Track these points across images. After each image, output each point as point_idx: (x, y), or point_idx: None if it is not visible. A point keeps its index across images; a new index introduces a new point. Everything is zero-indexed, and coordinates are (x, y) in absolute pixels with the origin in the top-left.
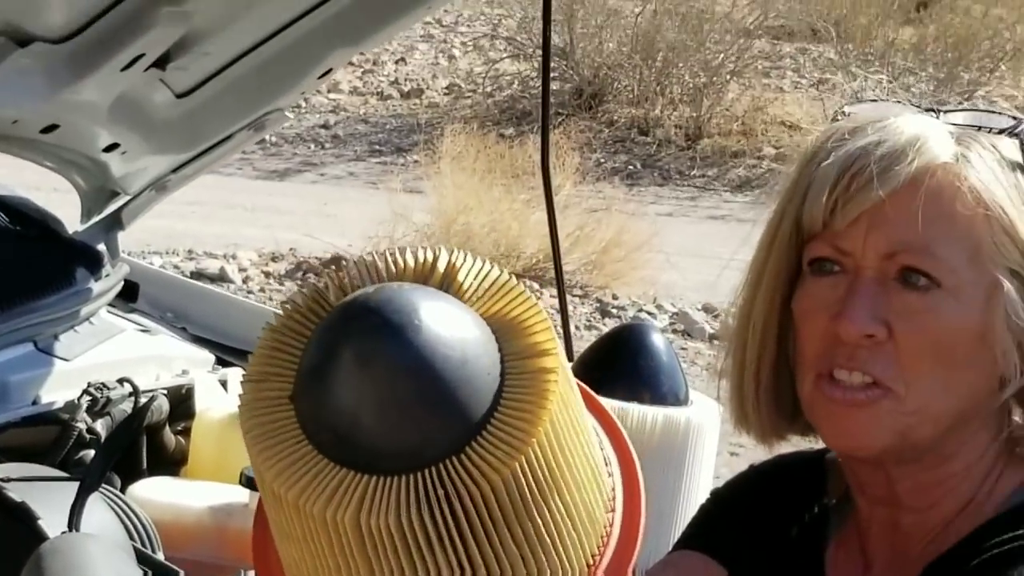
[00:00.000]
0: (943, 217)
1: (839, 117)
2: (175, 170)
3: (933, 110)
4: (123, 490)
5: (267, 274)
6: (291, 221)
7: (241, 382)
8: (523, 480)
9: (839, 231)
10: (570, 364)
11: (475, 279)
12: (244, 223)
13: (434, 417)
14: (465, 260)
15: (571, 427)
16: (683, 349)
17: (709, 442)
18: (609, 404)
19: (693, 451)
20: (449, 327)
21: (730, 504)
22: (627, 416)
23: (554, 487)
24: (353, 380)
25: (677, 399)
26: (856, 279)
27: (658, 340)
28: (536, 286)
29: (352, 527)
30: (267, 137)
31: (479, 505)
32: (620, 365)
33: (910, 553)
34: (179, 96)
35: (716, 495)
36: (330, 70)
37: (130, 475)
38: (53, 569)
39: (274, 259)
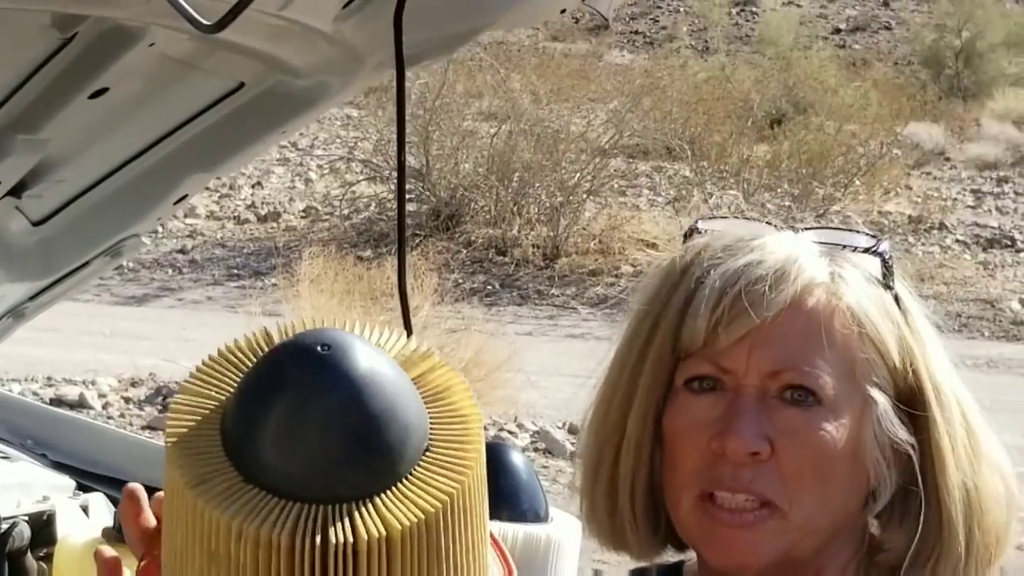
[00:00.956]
0: (823, 336)
1: (694, 234)
2: (32, 297)
3: (793, 228)
4: None
5: (127, 399)
6: (150, 347)
7: (171, 405)
8: (424, 539)
9: (721, 349)
10: None
11: (401, 345)
12: (103, 349)
13: (360, 460)
14: (390, 330)
15: (477, 508)
16: (544, 467)
17: (570, 558)
18: None
19: (554, 567)
20: (388, 373)
21: None
22: None
23: (451, 558)
24: (288, 408)
25: (537, 516)
26: (737, 397)
27: (517, 459)
28: None
29: (252, 541)
30: (124, 263)
31: (375, 549)
32: None
33: None
34: (35, 224)
35: None
36: (186, 196)
37: None
38: None
39: (134, 384)
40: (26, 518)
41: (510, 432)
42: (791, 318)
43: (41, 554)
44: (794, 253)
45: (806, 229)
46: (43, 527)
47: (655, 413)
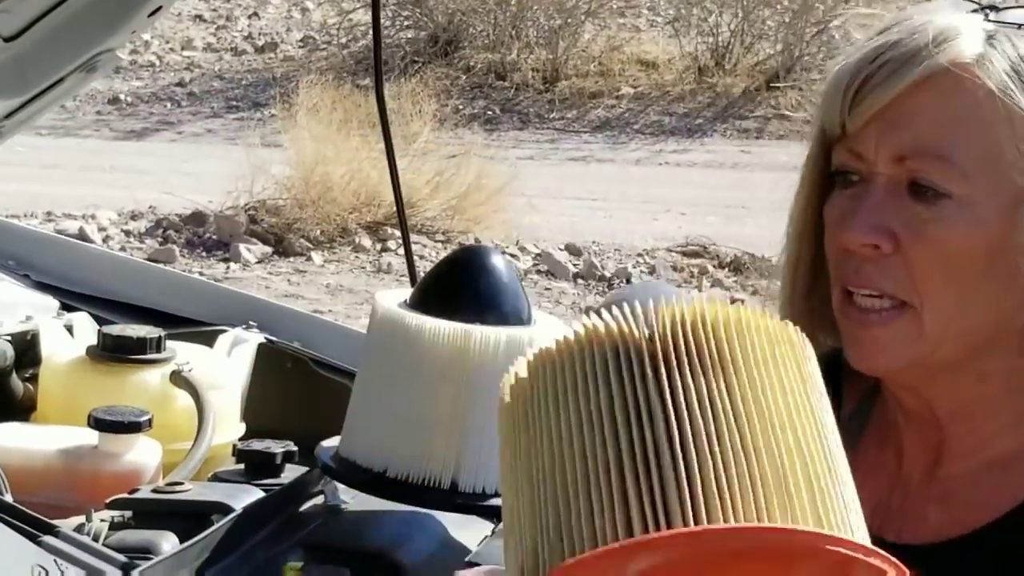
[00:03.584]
0: (958, 121)
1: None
2: (8, 116)
3: (990, 7)
4: None
5: (127, 233)
6: (150, 180)
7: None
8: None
9: (853, 134)
10: (411, 290)
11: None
12: (103, 184)
13: None
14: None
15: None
16: (547, 289)
17: None
18: (452, 326)
19: None
20: None
21: None
22: (471, 338)
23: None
24: None
25: (520, 319)
26: (867, 188)
27: (498, 261)
28: (398, 234)
29: None
30: (123, 97)
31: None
32: (462, 287)
33: (952, 471)
34: (7, 40)
35: None
36: (160, 8)
37: None
38: None
39: (134, 218)
40: (9, 338)
41: (512, 255)
42: (922, 99)
43: (26, 375)
44: (946, 30)
45: (1004, 8)
46: (27, 347)
47: (814, 206)
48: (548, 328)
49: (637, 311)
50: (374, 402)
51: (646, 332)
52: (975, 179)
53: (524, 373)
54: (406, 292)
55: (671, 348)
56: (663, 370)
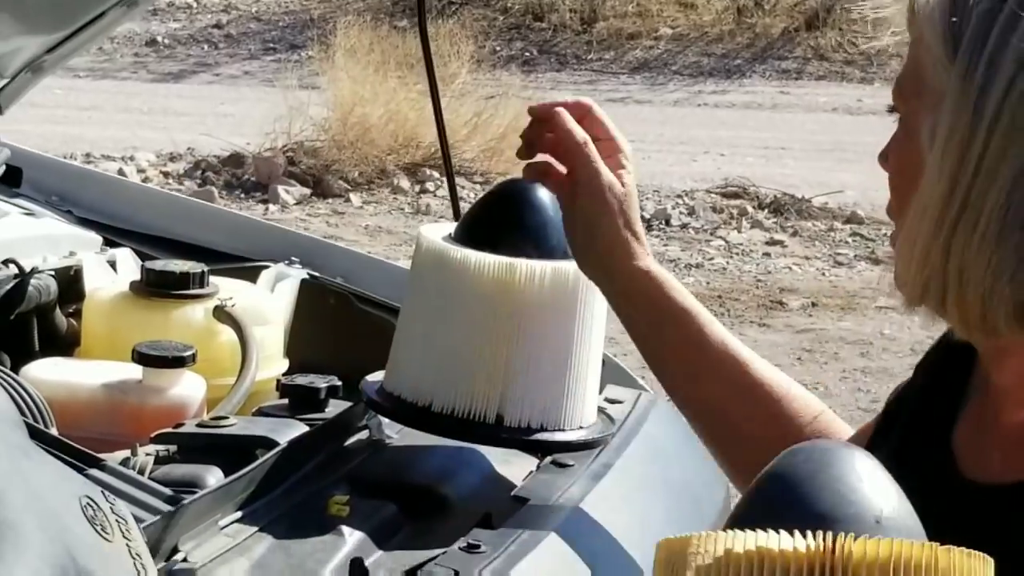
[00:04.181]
0: (904, 44)
1: None
2: (50, 50)
3: None
4: (15, 372)
5: (166, 174)
6: (188, 122)
7: None
8: None
9: None
10: (455, 224)
11: None
12: (141, 126)
13: None
14: None
15: None
16: None
17: (599, 293)
18: (497, 260)
19: (584, 301)
20: None
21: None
22: (516, 271)
23: None
24: None
25: (565, 253)
26: None
27: (543, 194)
28: (436, 175)
29: None
30: (160, 39)
31: None
32: (506, 221)
33: (1014, 418)
34: None
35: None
36: None
37: (22, 357)
38: None
39: (172, 159)
40: (52, 273)
41: None
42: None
43: (70, 310)
44: None
45: None
46: (70, 283)
47: None
48: None
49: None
50: (418, 336)
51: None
52: (908, 98)
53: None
54: (450, 226)
55: None
56: None
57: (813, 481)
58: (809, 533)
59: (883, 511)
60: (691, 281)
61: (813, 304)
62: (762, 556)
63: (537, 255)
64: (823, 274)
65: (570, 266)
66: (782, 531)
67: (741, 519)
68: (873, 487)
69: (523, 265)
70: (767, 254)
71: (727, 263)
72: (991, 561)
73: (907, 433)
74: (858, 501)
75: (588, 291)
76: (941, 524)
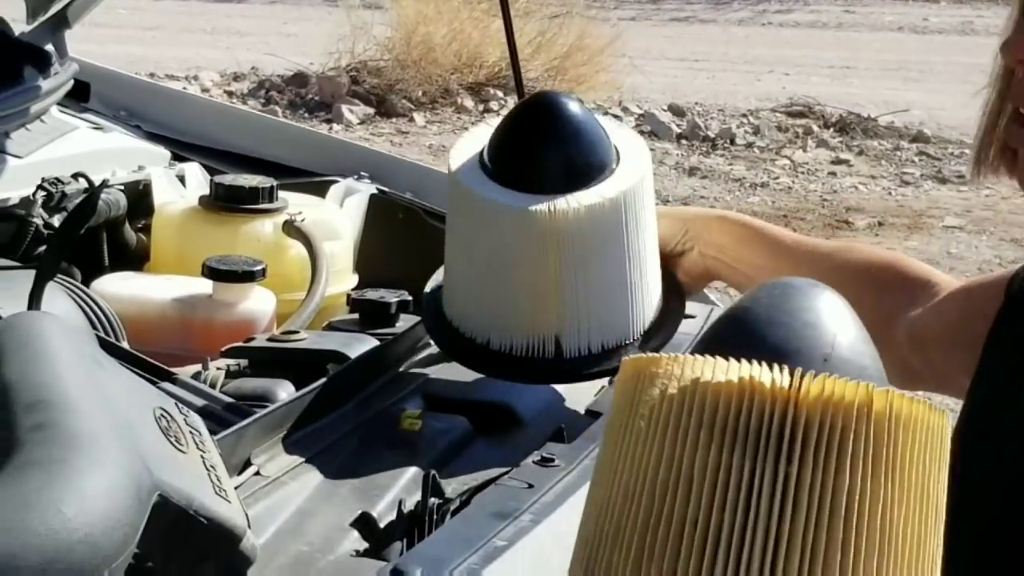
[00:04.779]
0: None
1: None
2: None
3: None
4: (85, 287)
5: (229, 93)
6: (251, 42)
7: None
8: None
9: None
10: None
11: None
12: (205, 45)
13: None
14: None
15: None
16: (651, 150)
17: (647, 207)
18: (538, 208)
19: (628, 223)
20: None
21: None
22: (559, 215)
23: None
24: None
25: (607, 166)
26: None
27: (574, 108)
28: (500, 94)
29: None
30: None
31: None
32: (541, 155)
33: None
34: None
35: None
36: None
37: (92, 272)
38: (8, 344)
39: (236, 79)
40: (122, 188)
41: (615, 116)
42: None
43: (139, 225)
44: None
45: None
46: (140, 197)
47: None
48: (634, 159)
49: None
50: (464, 273)
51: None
52: None
53: (655, 384)
54: (480, 140)
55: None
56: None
57: (769, 316)
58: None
59: (833, 349)
60: (756, 201)
61: (879, 223)
62: (712, 387)
63: (580, 183)
64: (889, 193)
65: (607, 191)
66: (744, 361)
67: (699, 348)
68: (828, 325)
69: (565, 206)
70: (833, 173)
71: (792, 182)
72: (943, 413)
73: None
74: (810, 336)
75: (633, 210)
76: None
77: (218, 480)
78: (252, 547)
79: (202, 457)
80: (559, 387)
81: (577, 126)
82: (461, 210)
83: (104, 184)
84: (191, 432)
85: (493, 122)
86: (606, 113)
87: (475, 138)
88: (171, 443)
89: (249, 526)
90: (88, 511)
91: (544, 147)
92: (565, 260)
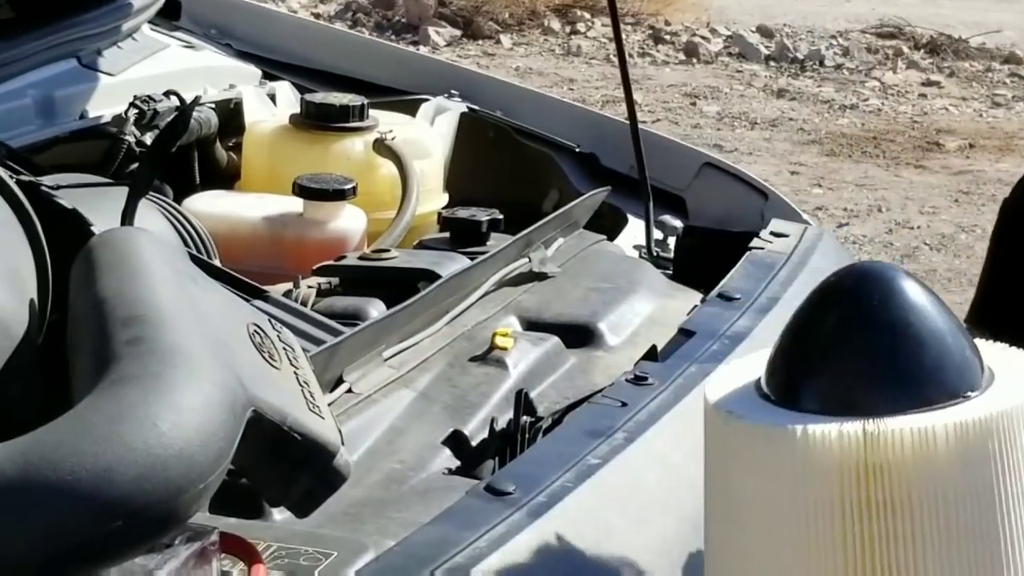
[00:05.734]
0: None
1: None
2: None
3: None
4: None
5: (316, 15)
6: None
7: None
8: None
9: None
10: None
11: None
12: None
13: None
14: None
15: None
16: (738, 72)
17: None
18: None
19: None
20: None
21: None
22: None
23: None
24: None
25: (972, 382)
26: None
27: (913, 291)
28: (587, 16)
29: None
30: None
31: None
32: (870, 358)
33: None
34: None
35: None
36: None
37: (184, 190)
38: (102, 260)
39: (322, 1)
40: (212, 107)
41: (702, 37)
42: None
43: (230, 144)
44: None
45: None
46: (230, 116)
47: None
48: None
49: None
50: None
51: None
52: None
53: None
54: (749, 371)
55: None
56: None
57: None
58: None
59: None
60: (845, 123)
61: (970, 145)
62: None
63: (897, 402)
64: (980, 115)
65: (962, 414)
66: None
67: None
68: None
69: (855, 432)
70: (923, 95)
71: (882, 104)
72: None
73: None
74: None
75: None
76: None
77: (311, 396)
78: (346, 463)
79: (295, 373)
80: (653, 306)
81: (930, 312)
82: (720, 451)
83: (196, 101)
84: (284, 349)
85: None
86: (693, 36)
87: (743, 370)
88: (265, 359)
89: (343, 442)
90: (183, 426)
91: (882, 342)
92: (881, 527)
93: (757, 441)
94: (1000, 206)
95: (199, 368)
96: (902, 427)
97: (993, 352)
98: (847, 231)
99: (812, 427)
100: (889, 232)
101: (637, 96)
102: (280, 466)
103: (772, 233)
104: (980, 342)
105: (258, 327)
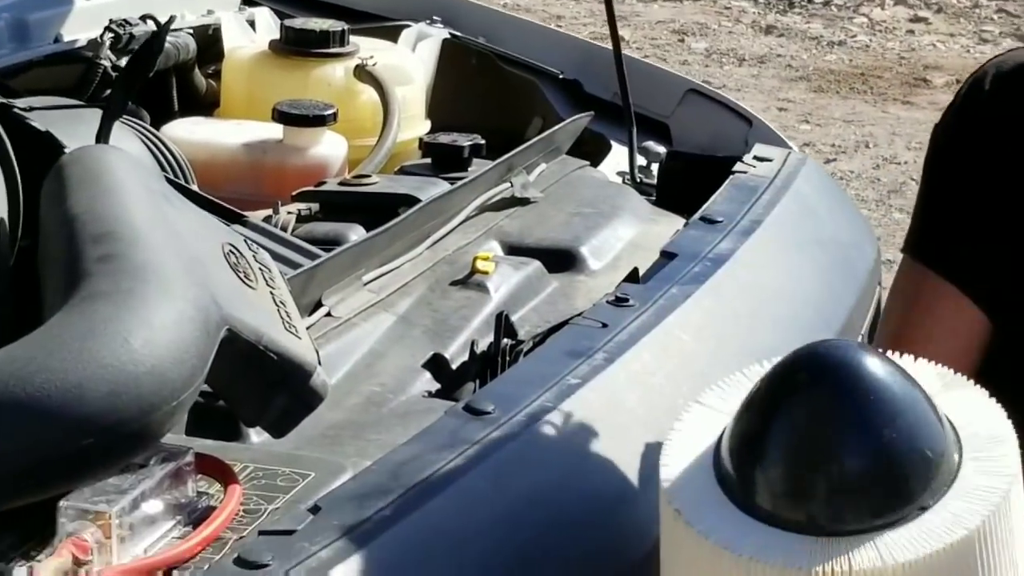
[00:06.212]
0: None
1: None
2: None
3: None
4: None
5: None
6: None
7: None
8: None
9: None
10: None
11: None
12: None
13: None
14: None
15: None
16: (727, 8)
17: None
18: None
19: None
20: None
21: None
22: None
23: None
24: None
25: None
26: None
27: (881, 375)
28: None
29: None
30: None
31: None
32: (843, 468)
33: None
34: None
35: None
36: None
37: (162, 117)
38: (73, 177)
39: None
40: (191, 32)
41: None
42: None
43: (209, 70)
44: None
45: None
46: (209, 42)
47: None
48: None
49: None
50: None
51: None
52: None
53: None
54: (708, 434)
55: None
56: None
57: None
58: None
59: None
60: (833, 59)
61: (958, 81)
62: None
63: (872, 516)
64: (968, 51)
65: (944, 529)
66: None
67: None
68: None
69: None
70: (911, 31)
71: (870, 40)
72: None
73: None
74: None
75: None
76: None
77: (288, 316)
78: (323, 383)
79: (272, 293)
80: (636, 229)
81: (890, 404)
82: (668, 535)
83: (171, 21)
84: (260, 269)
85: (732, 391)
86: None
87: (703, 422)
88: (240, 279)
89: (320, 362)
90: (155, 343)
91: (855, 444)
92: None
93: (703, 548)
94: (931, 133)
95: (172, 285)
96: (854, 549)
97: (965, 413)
98: (835, 167)
99: (757, 564)
100: (876, 168)
101: (625, 32)
102: (256, 385)
103: (755, 157)
104: (952, 393)
105: (234, 247)
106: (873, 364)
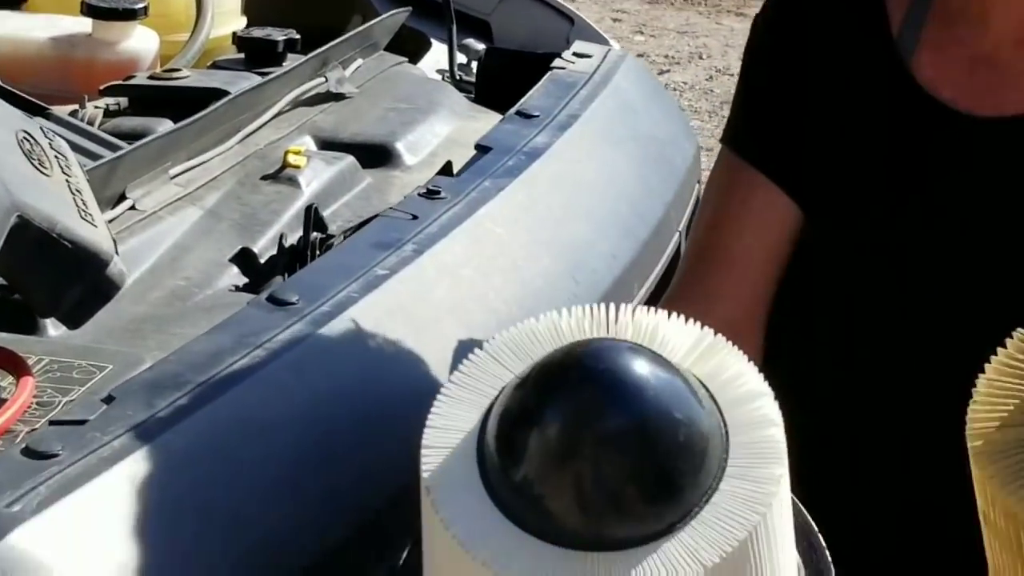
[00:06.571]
0: None
1: None
2: None
3: None
4: None
5: None
6: None
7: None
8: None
9: None
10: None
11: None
12: None
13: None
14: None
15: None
16: None
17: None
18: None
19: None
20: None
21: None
22: None
23: None
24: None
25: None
26: None
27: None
28: None
29: None
30: None
31: None
32: (597, 480)
33: None
34: None
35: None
36: None
37: None
38: None
39: None
40: None
41: None
42: None
43: None
44: None
45: None
46: None
47: None
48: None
49: None
50: None
51: None
52: None
53: None
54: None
55: None
56: None
57: None
58: None
59: None
60: None
61: None
62: None
63: (635, 528)
64: None
65: (705, 547)
66: None
67: None
68: None
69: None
70: None
71: None
72: None
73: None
74: None
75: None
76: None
77: (84, 205)
78: (120, 272)
79: (67, 181)
80: (451, 123)
81: (654, 412)
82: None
83: None
84: (56, 156)
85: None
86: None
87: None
88: (34, 166)
89: (117, 252)
90: None
91: (584, 457)
92: None
93: (452, 542)
94: (751, 23)
95: None
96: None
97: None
98: (668, 77)
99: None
100: (709, 79)
101: None
102: (49, 274)
103: (575, 54)
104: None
105: (28, 134)
106: (642, 361)
